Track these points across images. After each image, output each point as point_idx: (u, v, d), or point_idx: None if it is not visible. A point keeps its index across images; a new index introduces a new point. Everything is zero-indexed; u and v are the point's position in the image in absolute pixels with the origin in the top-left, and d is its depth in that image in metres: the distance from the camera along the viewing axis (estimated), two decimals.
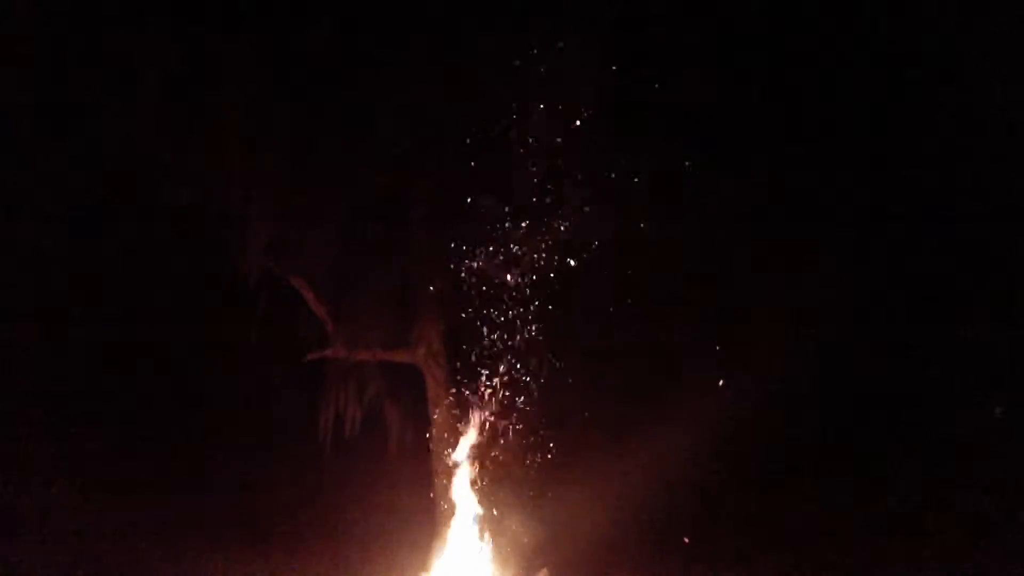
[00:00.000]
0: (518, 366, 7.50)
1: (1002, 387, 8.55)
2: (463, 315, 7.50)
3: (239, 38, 6.87)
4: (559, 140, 7.02)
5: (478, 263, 7.35)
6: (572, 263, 7.24)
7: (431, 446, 7.90)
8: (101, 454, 8.31)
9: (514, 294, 7.35)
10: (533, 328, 7.40)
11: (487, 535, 7.11)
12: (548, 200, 7.19)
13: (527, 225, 7.22)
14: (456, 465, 7.51)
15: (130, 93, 7.02)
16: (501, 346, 7.45)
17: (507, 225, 7.20)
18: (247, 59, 6.87)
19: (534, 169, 7.05)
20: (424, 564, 7.06)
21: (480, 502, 7.27)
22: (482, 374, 7.60)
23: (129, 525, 7.84)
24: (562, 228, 7.20)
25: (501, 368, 7.53)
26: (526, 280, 7.32)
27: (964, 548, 7.58)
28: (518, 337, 7.43)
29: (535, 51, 6.92)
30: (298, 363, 8.27)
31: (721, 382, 7.48)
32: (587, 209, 7.10)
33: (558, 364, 7.35)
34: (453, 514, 7.17)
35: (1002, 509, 8.00)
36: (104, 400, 8.58)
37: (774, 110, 7.56)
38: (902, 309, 8.42)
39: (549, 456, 7.62)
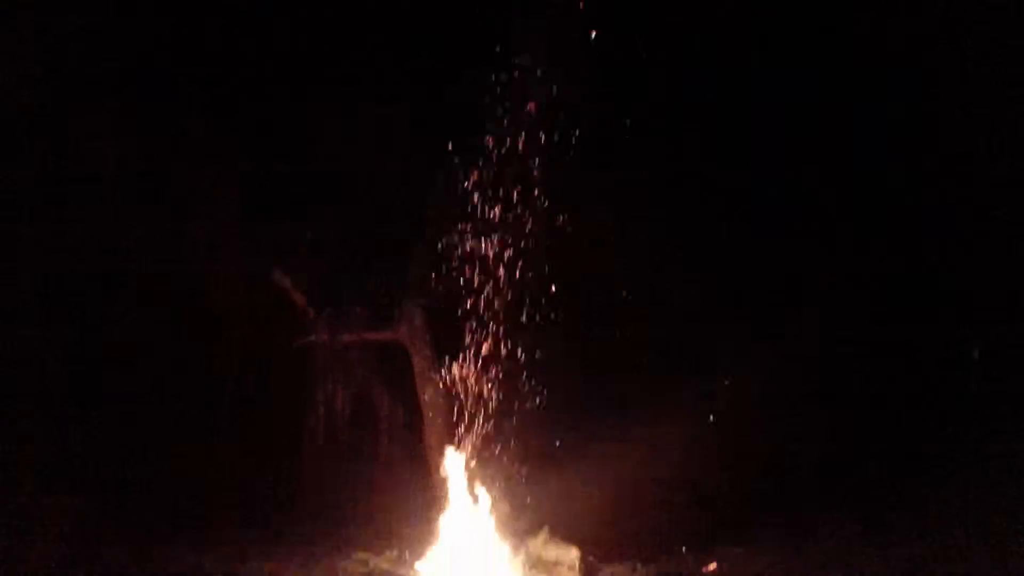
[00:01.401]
0: (501, 337, 7.63)
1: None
2: (444, 290, 7.62)
3: None
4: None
5: (457, 237, 7.46)
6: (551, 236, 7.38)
7: (422, 423, 7.99)
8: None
9: (493, 265, 7.46)
10: (514, 298, 7.52)
11: (484, 508, 7.29)
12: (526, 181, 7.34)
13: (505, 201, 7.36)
14: (448, 441, 7.65)
15: None
16: (484, 318, 7.57)
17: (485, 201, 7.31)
18: None
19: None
20: (424, 538, 7.24)
21: (473, 476, 7.44)
22: (466, 348, 7.73)
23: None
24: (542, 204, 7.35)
25: (485, 339, 7.66)
26: (505, 251, 7.43)
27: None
28: (500, 307, 7.56)
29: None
30: (282, 352, 8.37)
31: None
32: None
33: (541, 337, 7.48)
34: (449, 489, 7.33)
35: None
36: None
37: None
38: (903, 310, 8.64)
39: (540, 426, 7.78)
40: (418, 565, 7.15)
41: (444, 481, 7.43)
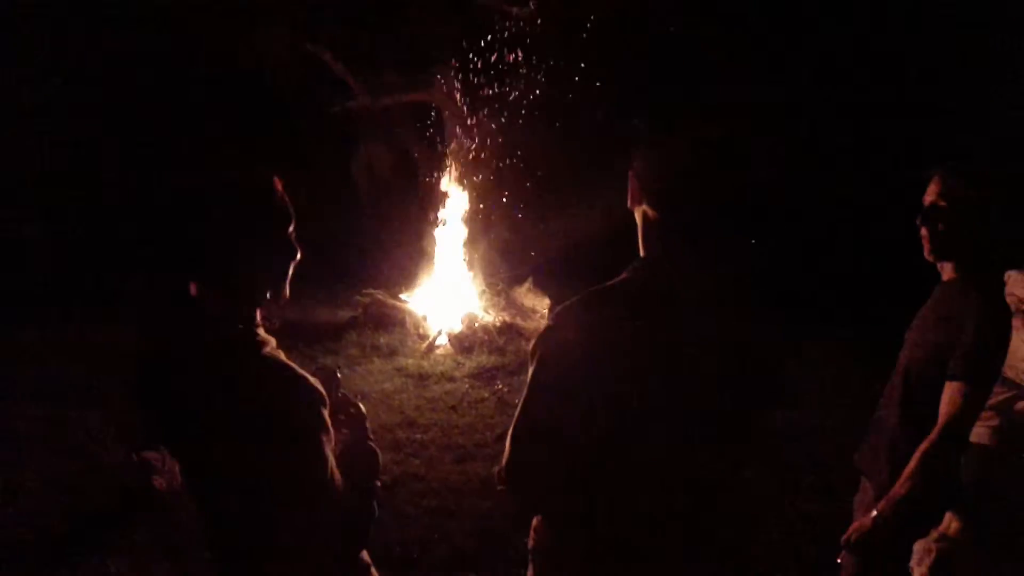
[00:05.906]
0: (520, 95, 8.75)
1: None
2: (473, 54, 8.64)
3: None
4: None
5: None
6: None
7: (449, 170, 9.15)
8: None
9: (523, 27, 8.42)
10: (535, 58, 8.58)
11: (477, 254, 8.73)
12: None
13: None
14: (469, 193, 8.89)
15: None
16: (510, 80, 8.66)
17: None
18: None
19: None
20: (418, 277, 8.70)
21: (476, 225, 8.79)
22: (489, 105, 8.88)
23: None
24: None
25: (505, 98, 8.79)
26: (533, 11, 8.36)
27: None
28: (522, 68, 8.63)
29: None
30: (328, 118, 9.42)
31: None
32: None
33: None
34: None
35: None
36: None
37: None
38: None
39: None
40: (405, 296, 8.34)
41: (446, 227, 8.72)
